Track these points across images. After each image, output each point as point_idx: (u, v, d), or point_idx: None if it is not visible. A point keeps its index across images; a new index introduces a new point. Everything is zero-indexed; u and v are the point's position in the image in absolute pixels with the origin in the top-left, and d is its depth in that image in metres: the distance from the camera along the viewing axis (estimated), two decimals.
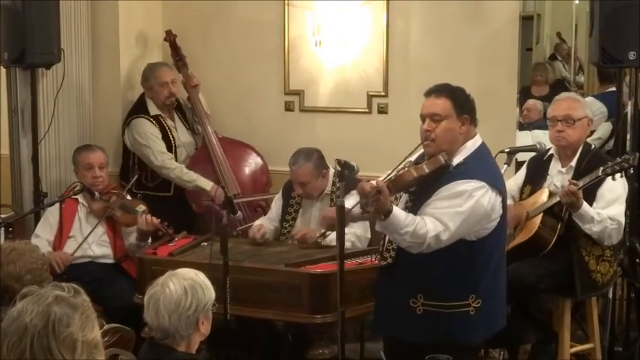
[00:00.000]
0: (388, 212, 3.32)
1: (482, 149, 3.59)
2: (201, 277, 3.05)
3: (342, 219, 3.46)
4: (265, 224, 4.93)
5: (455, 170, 3.46)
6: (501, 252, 3.65)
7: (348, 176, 3.53)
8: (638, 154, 4.05)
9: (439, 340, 3.47)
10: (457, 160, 3.50)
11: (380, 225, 3.42)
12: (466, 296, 3.51)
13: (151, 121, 5.50)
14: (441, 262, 3.47)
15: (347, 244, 4.64)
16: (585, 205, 4.14)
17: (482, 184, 3.41)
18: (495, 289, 3.63)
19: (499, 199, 3.47)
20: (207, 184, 5.44)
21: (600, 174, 4.08)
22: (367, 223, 4.82)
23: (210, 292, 3.03)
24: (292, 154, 4.83)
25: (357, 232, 4.75)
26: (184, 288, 2.96)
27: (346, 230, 4.67)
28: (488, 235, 3.49)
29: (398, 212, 3.37)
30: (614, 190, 4.24)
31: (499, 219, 3.50)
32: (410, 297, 3.56)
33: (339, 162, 3.63)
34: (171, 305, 2.93)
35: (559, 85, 8.58)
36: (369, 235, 4.81)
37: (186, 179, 5.46)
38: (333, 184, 4.75)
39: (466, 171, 3.44)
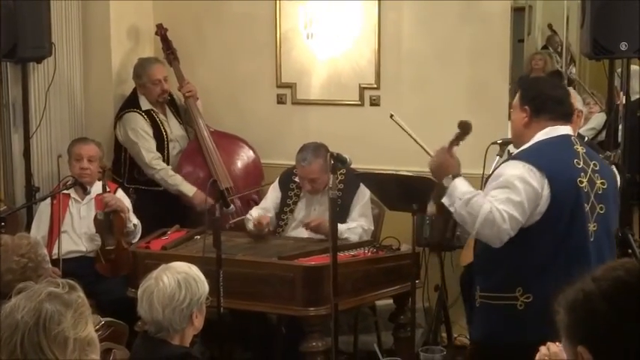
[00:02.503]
0: (456, 175, 3.40)
1: (553, 140, 3.42)
2: (194, 271, 3.05)
3: (334, 212, 3.46)
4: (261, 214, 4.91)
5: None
6: (555, 249, 3.33)
7: (349, 169, 3.52)
8: (619, 151, 4.05)
9: (489, 338, 3.43)
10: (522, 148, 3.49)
11: (447, 191, 3.39)
12: (512, 288, 3.34)
13: (142, 116, 5.47)
14: (488, 249, 3.37)
15: (355, 237, 4.69)
16: None
17: (528, 166, 3.29)
18: (551, 288, 3.32)
19: (545, 181, 3.27)
20: (190, 189, 5.38)
21: None
22: (371, 215, 4.84)
23: (203, 286, 3.03)
24: (299, 150, 4.81)
25: (364, 226, 4.77)
26: (178, 281, 2.96)
27: (354, 224, 4.73)
28: (532, 225, 3.30)
29: (463, 180, 3.42)
30: None
31: (545, 211, 3.29)
32: (475, 288, 3.53)
33: (331, 155, 3.63)
34: (165, 299, 2.93)
35: (556, 76, 8.55)
36: (373, 227, 4.86)
37: (170, 182, 5.40)
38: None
39: (518, 154, 3.46)
